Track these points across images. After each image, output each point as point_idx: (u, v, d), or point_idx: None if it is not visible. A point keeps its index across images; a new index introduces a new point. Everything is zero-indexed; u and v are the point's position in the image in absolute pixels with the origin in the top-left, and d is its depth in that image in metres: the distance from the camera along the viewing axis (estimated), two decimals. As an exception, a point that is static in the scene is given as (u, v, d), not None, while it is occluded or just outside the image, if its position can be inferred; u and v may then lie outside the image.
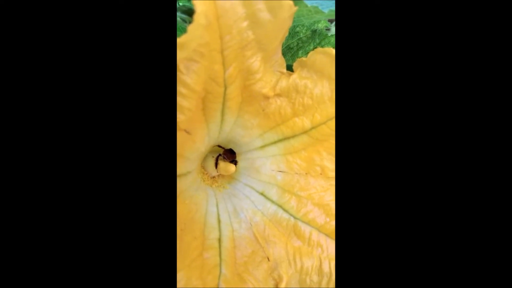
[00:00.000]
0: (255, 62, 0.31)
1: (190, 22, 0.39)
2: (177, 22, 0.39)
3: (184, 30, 0.41)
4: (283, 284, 0.35)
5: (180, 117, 0.29)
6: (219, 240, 0.35)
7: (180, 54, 0.25)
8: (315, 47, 0.42)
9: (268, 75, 0.33)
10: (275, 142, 0.39)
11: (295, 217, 0.38)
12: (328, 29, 0.43)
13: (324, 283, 0.35)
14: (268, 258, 0.36)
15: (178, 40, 0.23)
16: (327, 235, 0.37)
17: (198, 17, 0.24)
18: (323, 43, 0.42)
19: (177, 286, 0.29)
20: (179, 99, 0.28)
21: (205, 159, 0.41)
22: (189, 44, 0.24)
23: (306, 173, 0.39)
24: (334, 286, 0.35)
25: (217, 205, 0.38)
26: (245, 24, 0.28)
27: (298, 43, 0.43)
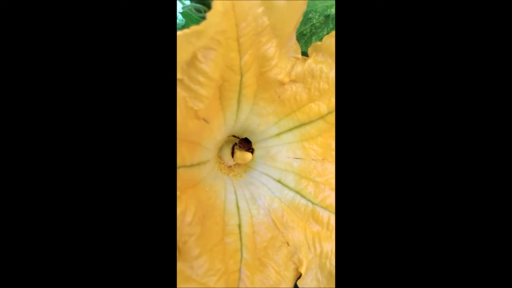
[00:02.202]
0: (270, 48, 0.31)
1: (204, 11, 0.39)
2: (191, 13, 0.40)
3: (196, 21, 0.41)
4: (303, 268, 0.35)
5: (198, 106, 0.29)
6: (239, 225, 0.36)
7: (198, 42, 0.25)
8: (328, 32, 0.42)
9: (283, 61, 0.33)
10: (291, 129, 0.39)
11: (313, 203, 0.38)
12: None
13: (343, 266, 0.35)
14: (287, 243, 0.36)
15: (197, 27, 0.24)
16: (345, 219, 0.37)
17: (216, 4, 0.24)
18: (336, 28, 0.42)
19: (200, 270, 0.30)
20: (197, 88, 0.28)
21: (221, 149, 0.41)
22: (207, 31, 0.25)
23: (322, 159, 0.39)
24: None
25: (235, 193, 0.39)
26: (260, 10, 0.28)
27: (311, 29, 0.43)
